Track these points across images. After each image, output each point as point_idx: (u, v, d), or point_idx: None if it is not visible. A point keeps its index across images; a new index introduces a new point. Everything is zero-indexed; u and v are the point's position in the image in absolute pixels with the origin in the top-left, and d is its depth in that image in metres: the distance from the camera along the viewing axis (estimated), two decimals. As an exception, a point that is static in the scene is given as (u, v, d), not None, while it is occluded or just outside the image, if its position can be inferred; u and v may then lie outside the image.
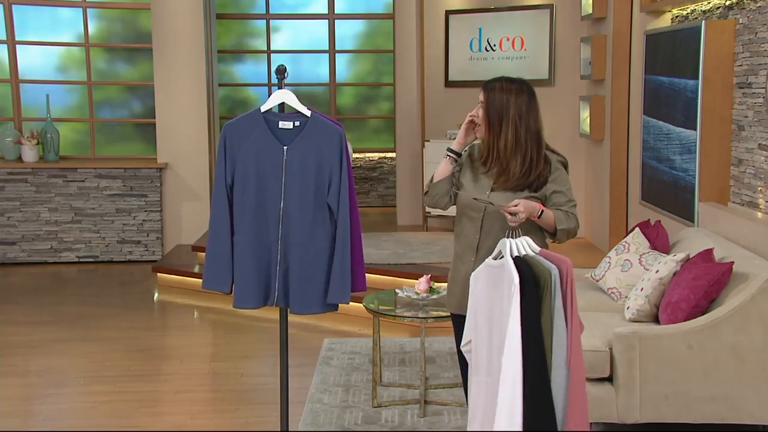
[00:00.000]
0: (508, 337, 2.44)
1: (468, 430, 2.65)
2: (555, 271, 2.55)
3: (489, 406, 2.57)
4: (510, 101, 2.98)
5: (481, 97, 3.04)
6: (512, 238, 2.64)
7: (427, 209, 8.00)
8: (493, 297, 2.60)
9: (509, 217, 2.84)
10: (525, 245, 2.62)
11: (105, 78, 8.65)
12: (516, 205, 2.85)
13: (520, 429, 2.42)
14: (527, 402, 2.44)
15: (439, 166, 3.17)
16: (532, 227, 2.96)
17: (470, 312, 2.67)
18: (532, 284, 2.52)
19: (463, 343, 2.69)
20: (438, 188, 3.14)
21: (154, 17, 8.02)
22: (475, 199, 2.98)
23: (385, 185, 10.14)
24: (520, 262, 2.55)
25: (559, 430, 2.52)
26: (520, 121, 2.98)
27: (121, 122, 8.75)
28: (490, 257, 2.67)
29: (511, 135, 2.98)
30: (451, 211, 3.26)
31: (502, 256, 2.61)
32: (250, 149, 3.13)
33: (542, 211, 2.93)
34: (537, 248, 2.64)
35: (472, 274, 2.69)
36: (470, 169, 3.14)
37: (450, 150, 3.14)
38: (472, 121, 3.07)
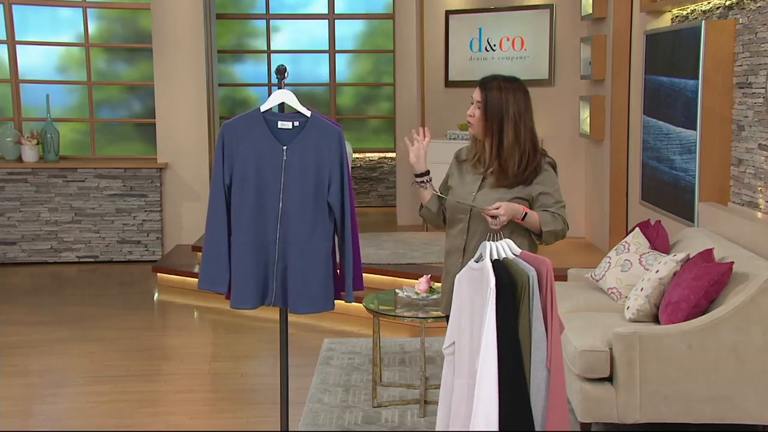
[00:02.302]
0: (484, 340, 2.45)
1: (452, 430, 2.65)
2: (533, 273, 2.55)
3: (469, 408, 2.57)
4: (509, 100, 2.99)
5: (478, 96, 3.03)
6: (494, 240, 2.64)
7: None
8: (474, 299, 2.60)
9: (490, 220, 2.86)
10: (505, 248, 2.62)
11: (105, 78, 8.65)
12: (497, 208, 2.86)
13: (497, 429, 2.42)
14: (504, 404, 2.44)
15: (421, 197, 3.20)
16: (517, 229, 2.97)
17: (453, 314, 2.67)
18: (509, 287, 2.52)
19: (445, 345, 2.69)
20: (426, 213, 3.20)
21: (154, 17, 8.03)
22: (458, 202, 2.99)
23: (385, 185, 10.14)
24: (499, 266, 2.56)
25: (539, 430, 2.53)
26: (519, 119, 3.00)
27: (121, 122, 8.75)
28: (473, 259, 2.67)
29: (512, 134, 3.00)
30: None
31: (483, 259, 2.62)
32: (249, 149, 3.13)
33: (526, 213, 2.93)
34: (518, 250, 2.64)
35: (457, 276, 2.69)
36: (458, 171, 3.15)
37: (416, 176, 3.15)
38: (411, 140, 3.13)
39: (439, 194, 3.10)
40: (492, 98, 2.99)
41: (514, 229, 2.94)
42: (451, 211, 3.13)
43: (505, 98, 2.99)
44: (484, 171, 3.08)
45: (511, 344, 2.49)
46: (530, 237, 3.03)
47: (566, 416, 2.59)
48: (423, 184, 3.15)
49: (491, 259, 2.57)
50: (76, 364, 5.13)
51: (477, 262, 2.64)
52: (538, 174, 3.03)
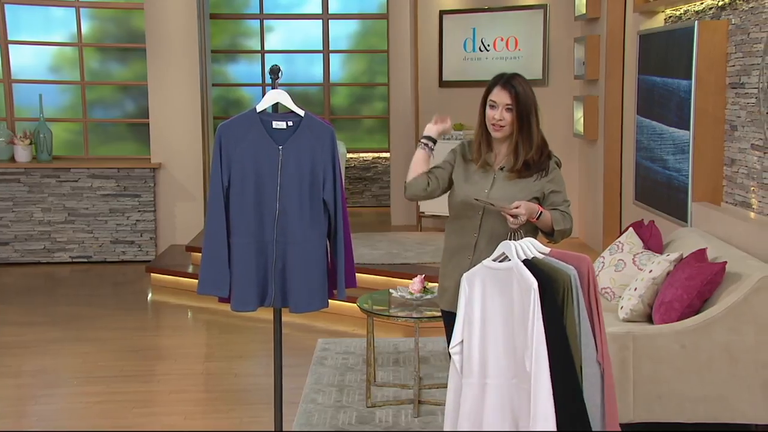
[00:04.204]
0: (535, 343, 2.44)
1: (459, 430, 2.64)
2: (573, 272, 2.55)
3: (489, 407, 2.57)
4: (530, 95, 3.00)
5: (506, 98, 2.97)
6: (515, 239, 2.63)
7: (422, 209, 8.01)
8: (495, 299, 2.59)
9: (510, 219, 2.84)
10: (531, 247, 2.61)
11: (98, 78, 8.63)
12: (517, 207, 2.85)
13: (556, 430, 2.44)
14: (559, 403, 2.45)
15: (415, 157, 3.15)
16: (526, 227, 2.96)
17: (462, 314, 2.66)
18: (549, 288, 2.51)
19: (452, 345, 2.68)
20: (415, 187, 3.15)
21: (148, 17, 8.01)
22: (476, 200, 2.97)
23: (379, 185, 10.14)
24: (532, 266, 2.54)
25: (598, 424, 2.55)
26: (538, 112, 3.03)
27: (115, 122, 8.73)
28: (489, 258, 2.65)
29: (536, 126, 3.02)
30: (445, 209, 3.25)
31: (503, 259, 2.60)
32: (247, 150, 3.14)
33: (541, 212, 2.94)
34: (545, 249, 2.63)
35: (465, 275, 2.67)
36: (463, 168, 3.13)
37: (426, 138, 3.13)
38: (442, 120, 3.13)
39: (477, 200, 3.01)
40: (522, 99, 2.98)
41: (526, 229, 2.93)
42: (459, 206, 3.10)
43: (528, 94, 3.00)
44: (495, 168, 3.07)
45: (560, 344, 2.49)
46: (536, 235, 3.03)
47: (617, 410, 2.63)
48: (426, 147, 3.13)
49: (519, 260, 2.57)
50: (70, 364, 5.12)
51: (496, 261, 2.62)
52: (551, 162, 3.03)
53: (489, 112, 3.02)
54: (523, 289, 2.50)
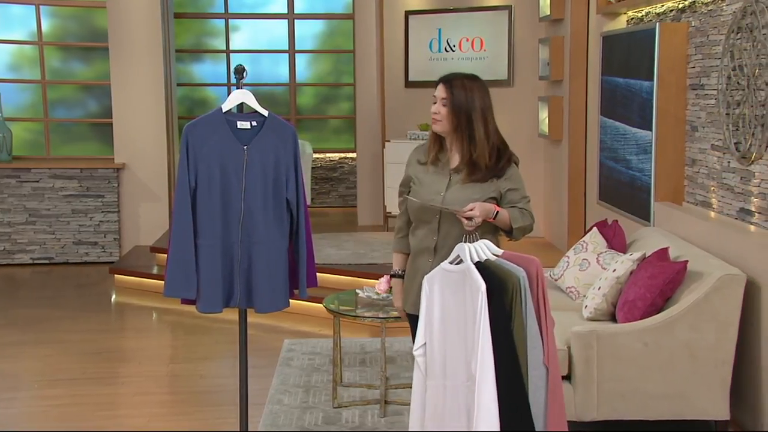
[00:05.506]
0: (481, 344, 2.45)
1: (427, 430, 2.65)
2: (522, 274, 2.56)
3: (449, 408, 2.57)
4: (474, 95, 3.00)
5: (443, 93, 3.01)
6: (470, 241, 2.64)
7: (389, 209, 8.01)
8: (450, 302, 2.59)
9: (465, 221, 2.85)
10: (484, 249, 2.61)
11: (59, 77, 8.51)
12: (471, 209, 2.86)
13: (498, 430, 2.44)
14: (503, 406, 2.45)
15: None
16: (485, 227, 2.97)
17: (423, 315, 2.66)
18: (499, 290, 2.52)
19: (416, 347, 2.68)
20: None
21: (110, 15, 7.92)
22: (431, 205, 2.97)
23: (346, 185, 10.13)
24: (483, 268, 2.55)
25: (540, 426, 2.55)
26: (487, 113, 3.01)
27: (77, 122, 8.61)
28: (446, 261, 2.66)
29: (482, 128, 2.99)
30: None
31: (459, 261, 2.61)
32: (213, 150, 3.13)
33: (497, 212, 2.95)
34: (498, 251, 2.64)
35: (426, 277, 2.68)
36: (419, 173, 3.12)
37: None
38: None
39: (412, 198, 3.03)
40: (458, 94, 2.98)
41: (485, 229, 2.94)
42: (416, 211, 3.10)
43: (470, 94, 3.00)
44: (450, 169, 3.07)
45: (506, 346, 2.49)
46: (496, 234, 3.04)
47: (564, 410, 2.64)
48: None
49: (472, 261, 2.57)
50: (31, 367, 5.04)
51: (452, 263, 2.62)
52: (509, 167, 3.04)
53: (432, 108, 3.07)
54: (473, 291, 2.51)
